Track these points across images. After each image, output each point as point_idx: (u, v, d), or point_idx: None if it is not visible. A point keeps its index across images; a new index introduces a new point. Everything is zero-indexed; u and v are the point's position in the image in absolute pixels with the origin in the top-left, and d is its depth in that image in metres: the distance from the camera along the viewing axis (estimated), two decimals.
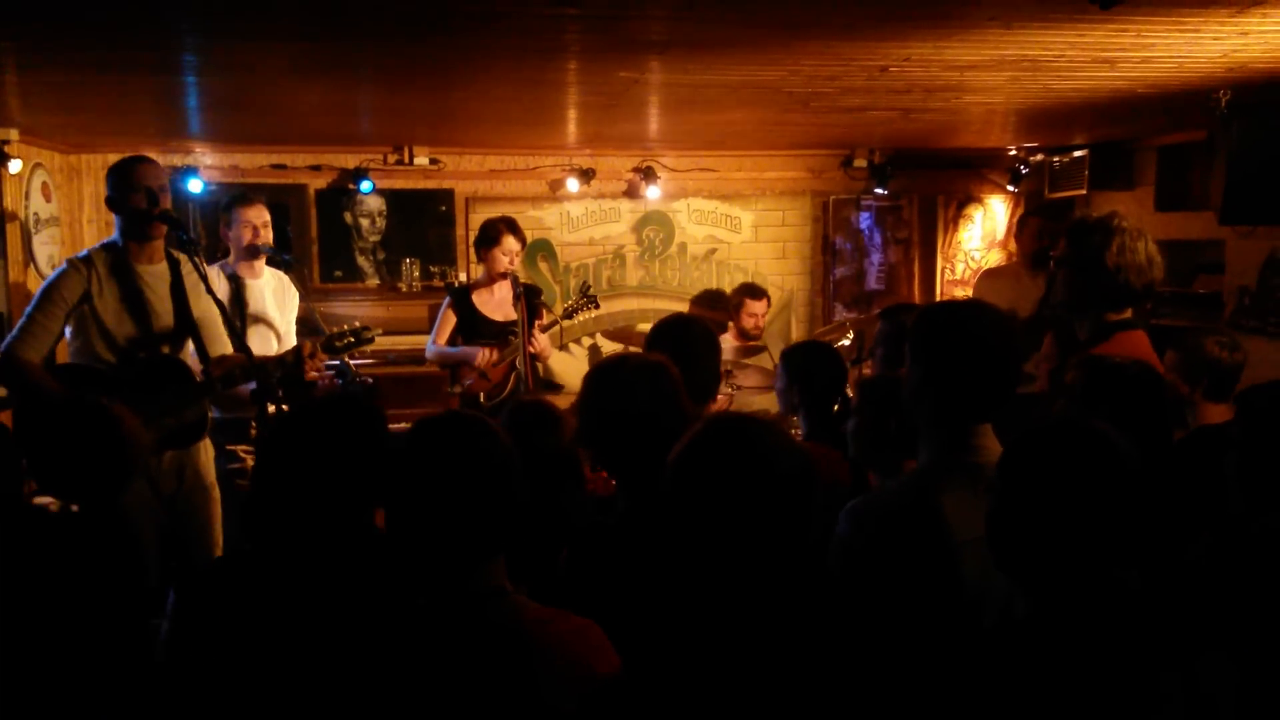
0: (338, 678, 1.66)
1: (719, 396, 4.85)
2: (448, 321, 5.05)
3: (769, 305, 6.04)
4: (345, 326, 3.94)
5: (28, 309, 3.40)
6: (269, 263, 4.46)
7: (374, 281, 6.20)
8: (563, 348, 6.34)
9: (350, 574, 1.92)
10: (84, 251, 3.52)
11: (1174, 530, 2.10)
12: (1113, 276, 2.81)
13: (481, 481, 1.64)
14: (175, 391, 3.40)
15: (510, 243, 4.90)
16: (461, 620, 1.61)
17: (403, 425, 5.47)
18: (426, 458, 1.67)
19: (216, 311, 3.57)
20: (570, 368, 6.47)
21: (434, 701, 1.58)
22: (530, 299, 4.91)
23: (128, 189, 3.41)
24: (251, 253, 4.34)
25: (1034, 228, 5.79)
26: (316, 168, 6.06)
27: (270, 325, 4.37)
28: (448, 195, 6.23)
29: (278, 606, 1.90)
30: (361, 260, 6.18)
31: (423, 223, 6.21)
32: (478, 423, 1.71)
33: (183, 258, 3.58)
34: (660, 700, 1.54)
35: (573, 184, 6.23)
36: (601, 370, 2.34)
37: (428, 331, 5.25)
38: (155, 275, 3.52)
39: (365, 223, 6.16)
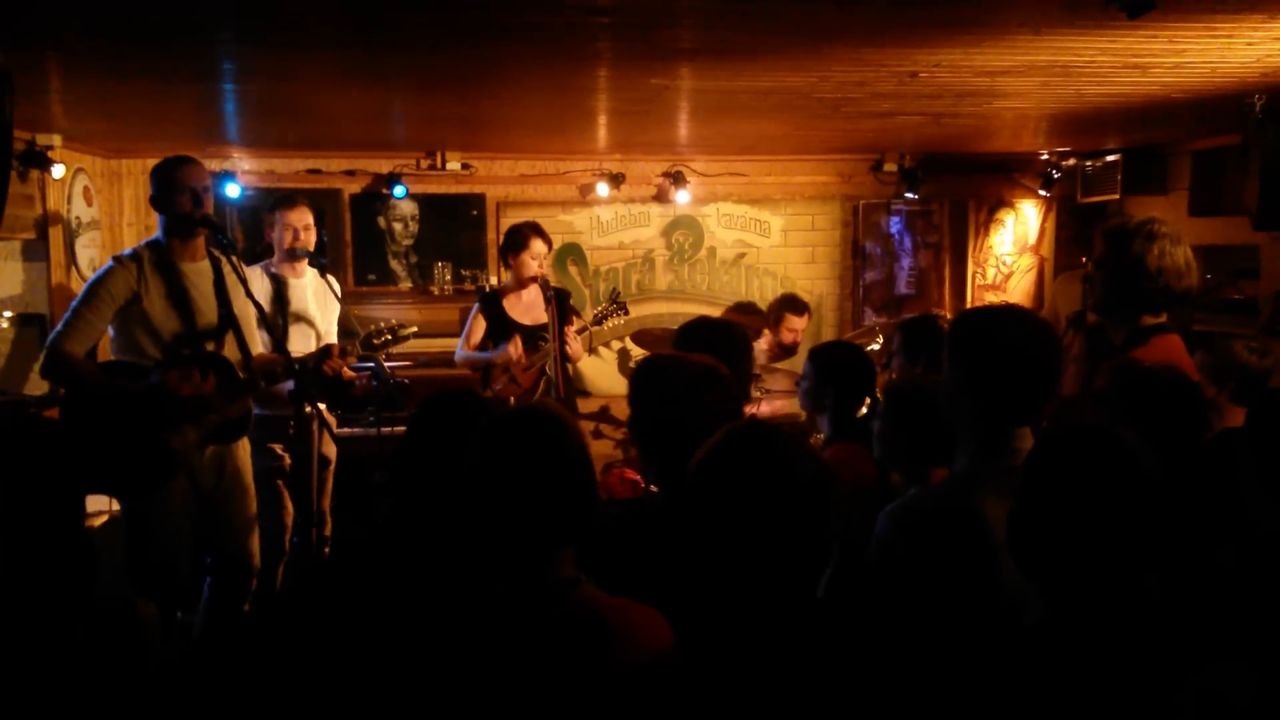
0: (420, 662, 1.71)
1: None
2: (478, 326, 5.09)
3: (809, 319, 5.88)
4: (382, 324, 4.04)
5: (73, 304, 3.46)
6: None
7: (407, 284, 6.27)
8: (591, 351, 6.38)
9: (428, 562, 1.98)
10: (129, 250, 3.58)
11: (1198, 533, 2.09)
12: (1154, 280, 2.81)
13: (555, 475, 1.68)
14: (218, 388, 3.46)
15: (538, 246, 4.93)
16: (543, 609, 1.67)
17: None
18: (502, 452, 1.71)
19: (253, 310, 3.64)
20: (600, 372, 6.51)
21: (519, 685, 1.63)
22: (561, 303, 4.95)
23: (172, 190, 3.48)
24: (291, 255, 4.42)
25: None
26: (351, 173, 6.14)
27: (311, 324, 4.45)
28: (479, 200, 6.29)
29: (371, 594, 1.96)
30: (394, 264, 6.26)
31: (455, 227, 6.28)
32: (551, 417, 1.75)
33: (224, 257, 3.65)
34: (701, 687, 1.60)
35: (602, 188, 6.27)
36: (657, 369, 2.37)
37: (459, 334, 5.30)
38: (198, 273, 3.59)
39: (398, 227, 6.23)
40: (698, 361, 2.35)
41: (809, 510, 1.65)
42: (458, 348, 5.16)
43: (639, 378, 2.37)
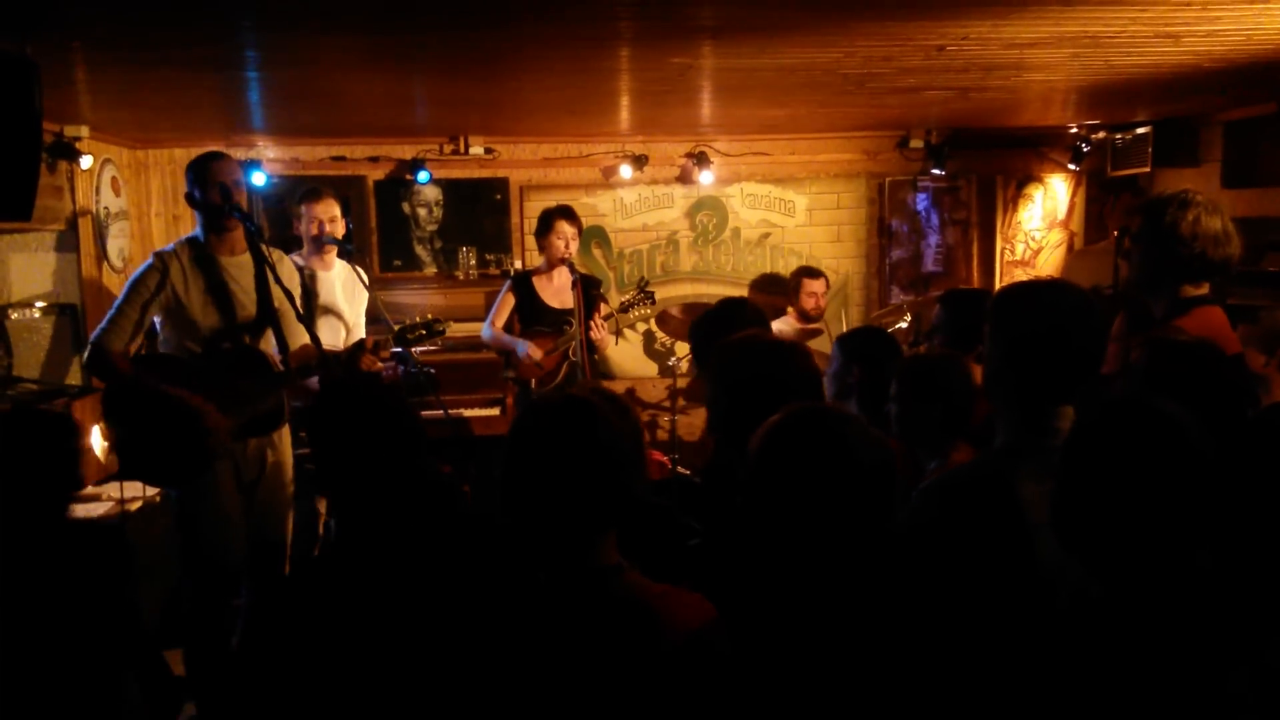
0: (470, 652, 1.71)
1: None
2: (506, 305, 5.16)
3: (827, 285, 6.03)
4: (417, 318, 4.03)
5: (116, 301, 3.54)
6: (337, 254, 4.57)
7: (432, 270, 6.28)
8: (617, 335, 6.38)
9: (450, 551, 1.98)
10: (170, 245, 3.64)
11: (1249, 510, 2.05)
12: (1189, 247, 2.76)
13: (595, 460, 1.68)
14: (255, 380, 3.50)
15: (563, 227, 4.98)
16: (587, 595, 1.66)
17: (460, 411, 5.57)
18: (542, 439, 1.71)
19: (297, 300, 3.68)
20: (626, 355, 6.51)
21: (566, 673, 1.63)
22: (588, 290, 4.97)
23: (203, 185, 3.52)
24: (317, 245, 4.45)
25: (1124, 204, 5.80)
26: (375, 159, 6.15)
27: (339, 316, 4.48)
28: (503, 184, 6.29)
29: (388, 591, 1.96)
30: (419, 249, 6.27)
31: (478, 211, 6.29)
32: (589, 403, 1.75)
33: (266, 249, 3.68)
34: (755, 673, 1.60)
35: (626, 170, 6.25)
36: (739, 347, 2.38)
37: (484, 318, 5.33)
38: (238, 266, 3.62)
39: (423, 212, 6.25)
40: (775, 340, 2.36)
41: (871, 493, 1.63)
42: (485, 325, 5.22)
43: (724, 364, 2.37)
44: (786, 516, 1.63)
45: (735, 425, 2.29)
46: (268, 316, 3.61)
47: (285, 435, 3.81)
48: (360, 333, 4.58)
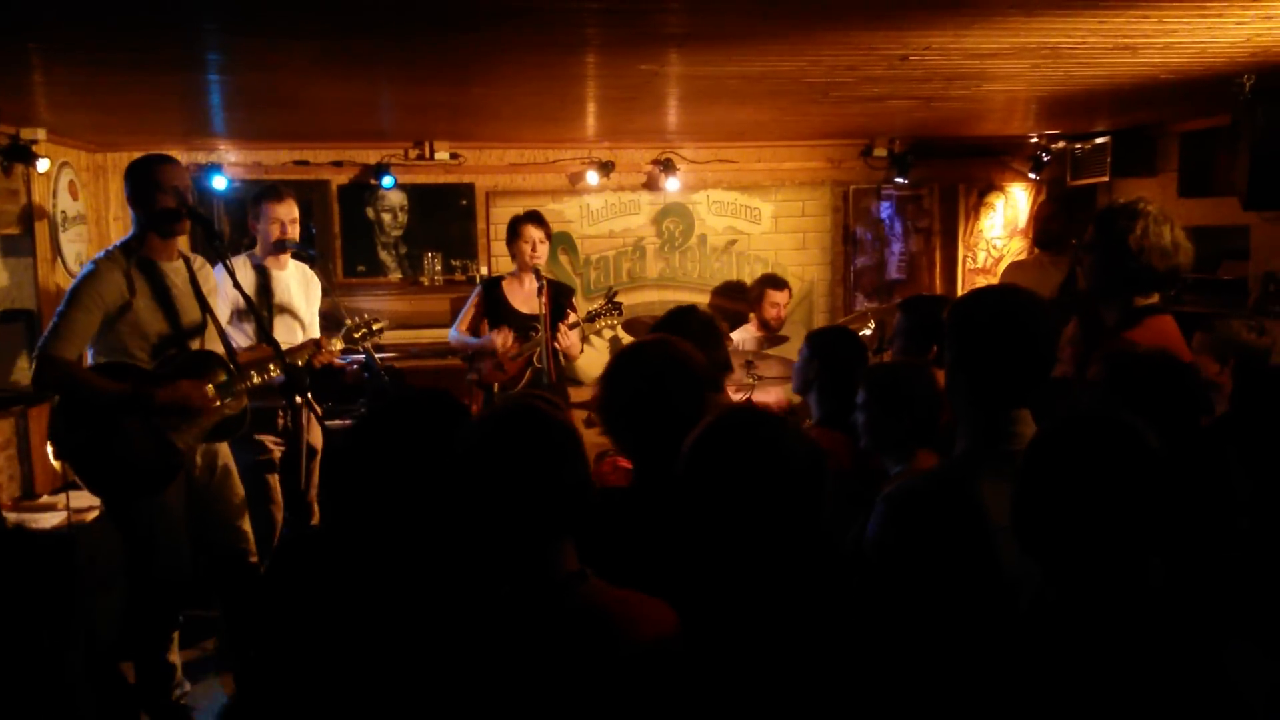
0: (431, 664, 1.68)
1: (737, 386, 4.89)
2: (473, 309, 5.15)
3: (790, 295, 6.04)
4: (357, 319, 4.25)
5: (61, 309, 3.39)
6: (294, 257, 4.52)
7: (396, 276, 6.24)
8: (584, 340, 6.36)
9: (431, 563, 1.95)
10: (109, 251, 3.51)
11: (1203, 517, 2.09)
12: (1135, 259, 2.80)
13: (549, 462, 1.67)
14: (218, 385, 3.47)
15: (530, 231, 4.97)
16: (550, 605, 1.65)
17: None
18: (494, 445, 1.69)
19: (225, 310, 3.67)
20: (592, 361, 6.48)
21: (530, 683, 1.61)
22: (557, 297, 4.96)
23: (154, 189, 3.44)
24: (278, 247, 4.40)
25: (1042, 213, 5.95)
26: (339, 164, 6.11)
27: (295, 316, 4.43)
28: (468, 189, 6.26)
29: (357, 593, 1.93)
30: (384, 255, 6.23)
31: (444, 217, 6.25)
32: (535, 407, 1.73)
33: (191, 255, 3.66)
34: (702, 676, 1.61)
35: (592, 177, 6.24)
36: (625, 354, 2.38)
37: (449, 325, 5.31)
38: (177, 271, 3.57)
39: (387, 217, 6.20)
40: (663, 344, 2.33)
41: (801, 493, 1.65)
42: (452, 329, 5.20)
43: (610, 372, 2.35)
44: (717, 519, 1.65)
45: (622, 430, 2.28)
46: (208, 321, 3.58)
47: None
48: (315, 331, 4.53)
